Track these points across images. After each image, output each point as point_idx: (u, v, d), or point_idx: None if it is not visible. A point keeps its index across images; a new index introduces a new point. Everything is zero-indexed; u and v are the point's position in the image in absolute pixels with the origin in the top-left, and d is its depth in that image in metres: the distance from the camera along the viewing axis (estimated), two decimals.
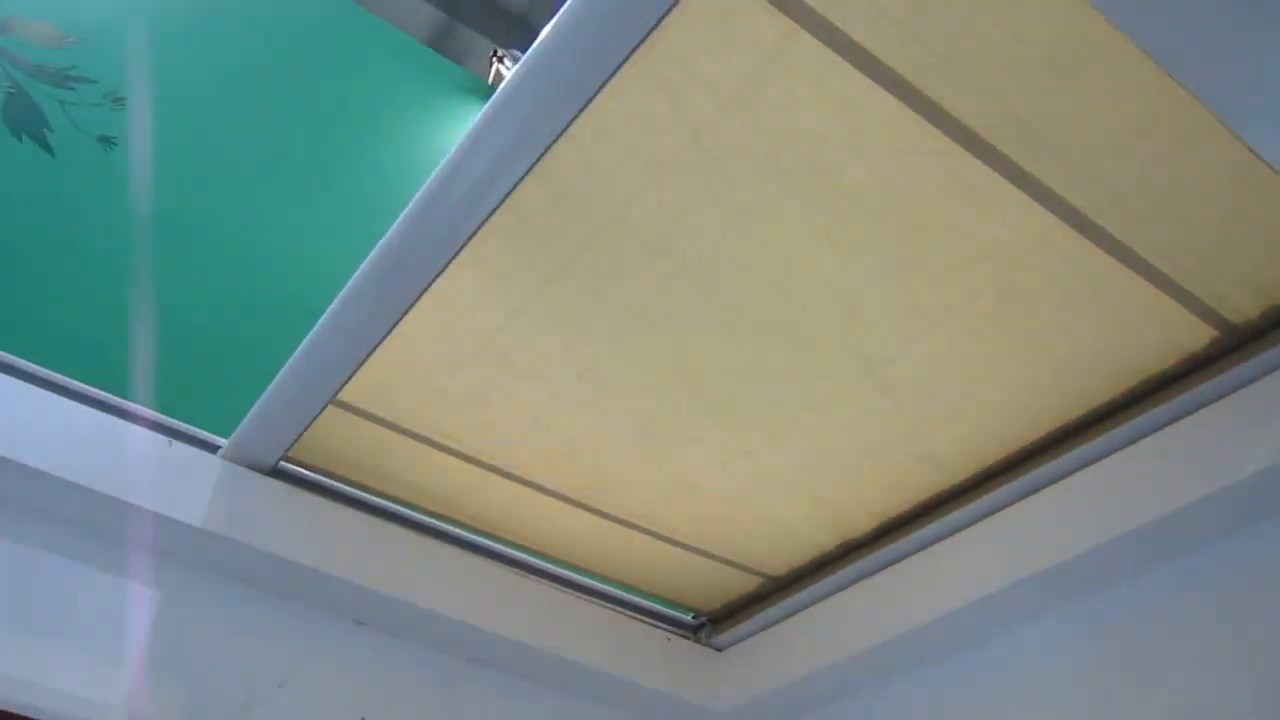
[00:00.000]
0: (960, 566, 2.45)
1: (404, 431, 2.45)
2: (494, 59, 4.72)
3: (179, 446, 2.40)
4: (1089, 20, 1.54)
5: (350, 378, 2.22)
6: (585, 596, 2.88)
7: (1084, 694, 2.28)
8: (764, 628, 2.91)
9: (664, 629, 2.98)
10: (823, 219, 1.95)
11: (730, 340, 2.19)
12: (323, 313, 2.20)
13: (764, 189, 1.90)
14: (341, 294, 2.11)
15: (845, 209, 1.93)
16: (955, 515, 2.46)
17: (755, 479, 2.52)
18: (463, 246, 1.96)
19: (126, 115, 3.02)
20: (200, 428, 2.46)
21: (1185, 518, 2.09)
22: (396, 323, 2.10)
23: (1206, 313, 2.00)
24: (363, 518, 2.58)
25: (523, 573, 2.79)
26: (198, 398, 2.65)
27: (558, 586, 2.84)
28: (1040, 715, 2.35)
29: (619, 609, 2.93)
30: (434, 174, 1.90)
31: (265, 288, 3.11)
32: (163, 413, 2.43)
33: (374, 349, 2.15)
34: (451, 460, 2.52)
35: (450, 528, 2.72)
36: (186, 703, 2.29)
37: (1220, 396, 2.07)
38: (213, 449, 2.48)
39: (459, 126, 4.02)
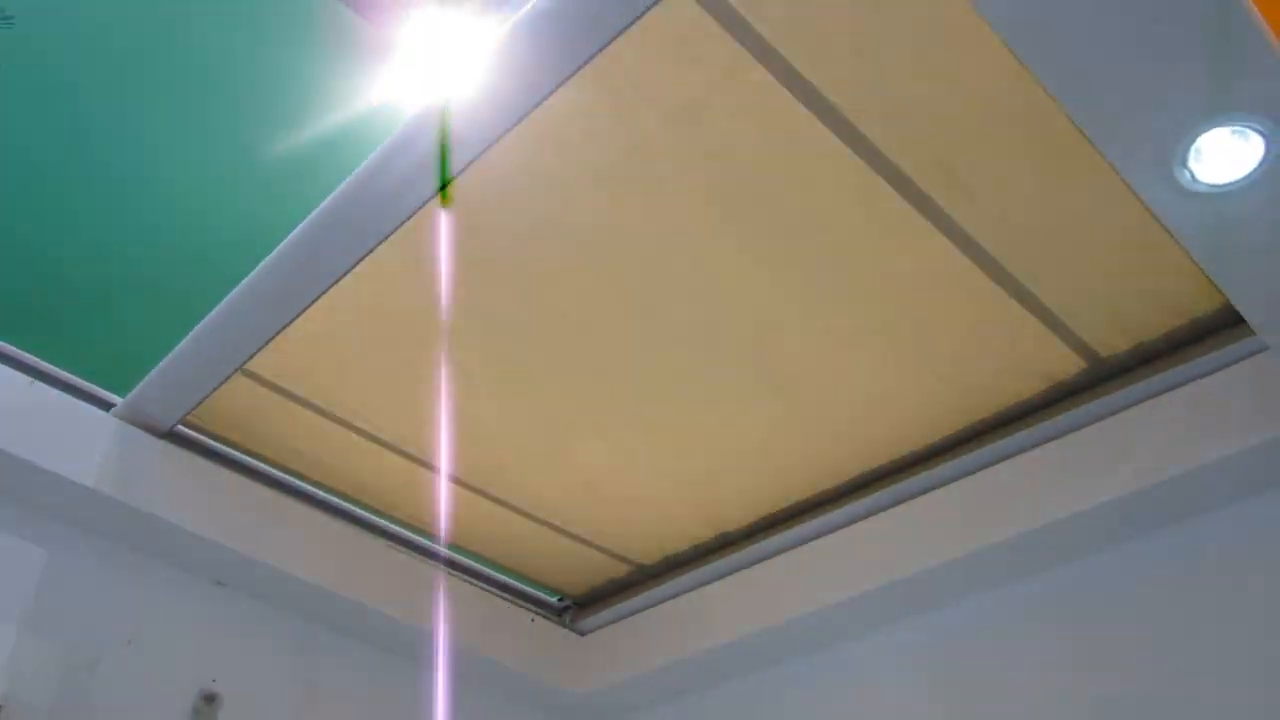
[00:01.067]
0: (823, 570, 2.53)
1: (308, 405, 2.42)
2: None
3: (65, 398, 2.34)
4: (1018, 76, 1.64)
5: (262, 348, 2.19)
6: (454, 572, 2.88)
7: (930, 700, 2.39)
8: (628, 615, 2.96)
9: (530, 609, 3.02)
10: (751, 239, 2.00)
11: (647, 346, 2.23)
12: (190, 251, 2.15)
13: (697, 205, 1.94)
14: (264, 262, 2.06)
15: (773, 232, 1.99)
16: (823, 519, 2.55)
17: (648, 475, 2.57)
18: (394, 230, 1.94)
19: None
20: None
21: (1037, 539, 2.21)
22: (316, 298, 2.07)
23: (1079, 345, 2.13)
24: (233, 477, 2.54)
25: (392, 544, 2.78)
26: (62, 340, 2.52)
27: (427, 560, 2.84)
28: (896, 712, 2.45)
29: (486, 587, 2.96)
30: (375, 152, 1.87)
31: (132, 223, 2.96)
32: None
33: (290, 322, 2.12)
34: (354, 438, 2.50)
35: (327, 495, 2.70)
36: (33, 658, 2.21)
37: (1083, 426, 2.19)
38: (106, 406, 2.43)
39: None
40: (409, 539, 2.82)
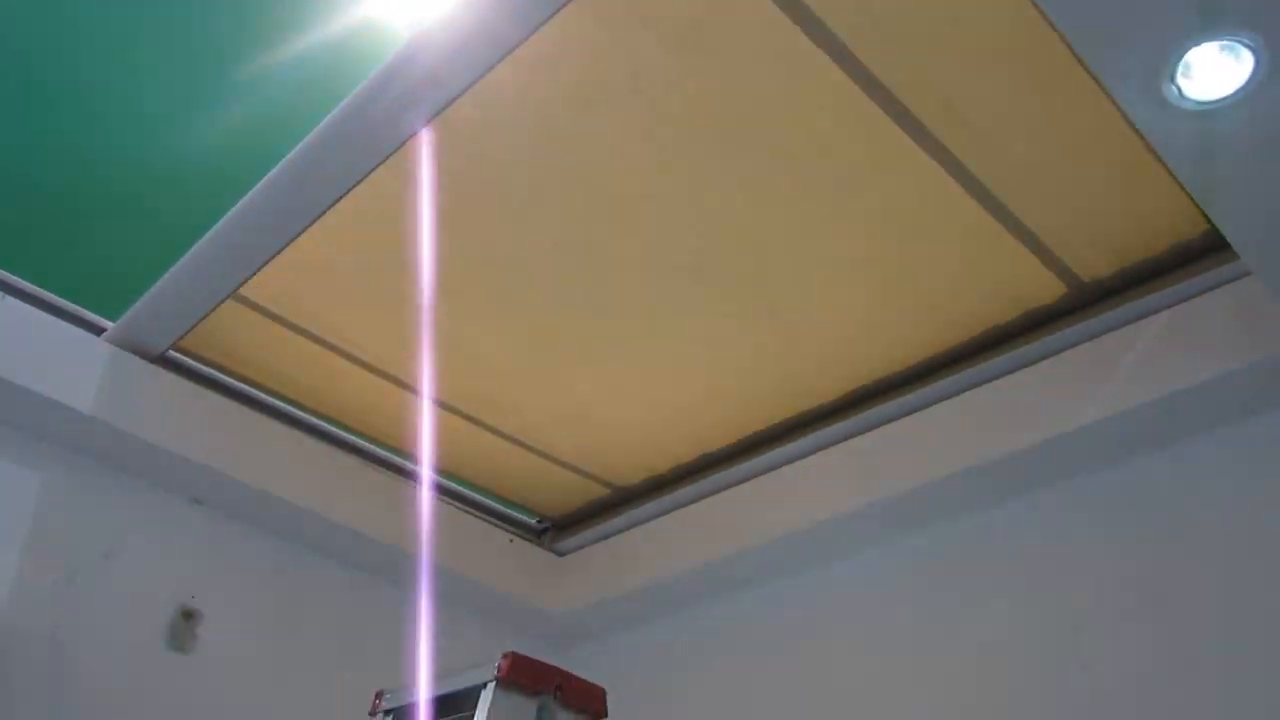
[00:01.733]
0: (802, 491, 2.54)
1: (299, 331, 2.41)
2: None
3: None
4: (1015, 7, 1.62)
5: (254, 274, 2.18)
6: (434, 494, 2.87)
7: (916, 618, 2.41)
8: (607, 536, 2.98)
9: (509, 531, 3.03)
10: (748, 168, 1.98)
11: (645, 277, 2.22)
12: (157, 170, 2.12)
13: (695, 133, 1.91)
14: (257, 188, 2.03)
15: (770, 160, 1.96)
16: (804, 441, 2.55)
17: (634, 400, 2.57)
18: (387, 156, 1.91)
19: None
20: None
21: (1018, 461, 2.22)
22: (310, 223, 2.05)
23: (1062, 270, 2.12)
24: (221, 400, 2.53)
25: (374, 466, 2.78)
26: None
27: (407, 481, 2.83)
28: (868, 635, 2.47)
29: (465, 508, 2.97)
30: (368, 77, 1.83)
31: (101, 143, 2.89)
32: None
33: (283, 248, 2.11)
34: (341, 362, 2.49)
35: (312, 418, 2.69)
36: (10, 571, 2.22)
37: (1063, 349, 2.19)
38: (97, 330, 2.42)
39: None
40: (391, 461, 2.82)
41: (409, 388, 2.56)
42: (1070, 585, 2.19)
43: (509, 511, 3.05)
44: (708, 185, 2.01)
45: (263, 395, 2.61)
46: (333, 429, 2.72)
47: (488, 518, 3.00)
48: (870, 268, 2.16)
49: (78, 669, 2.25)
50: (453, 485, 2.93)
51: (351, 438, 2.76)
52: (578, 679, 1.72)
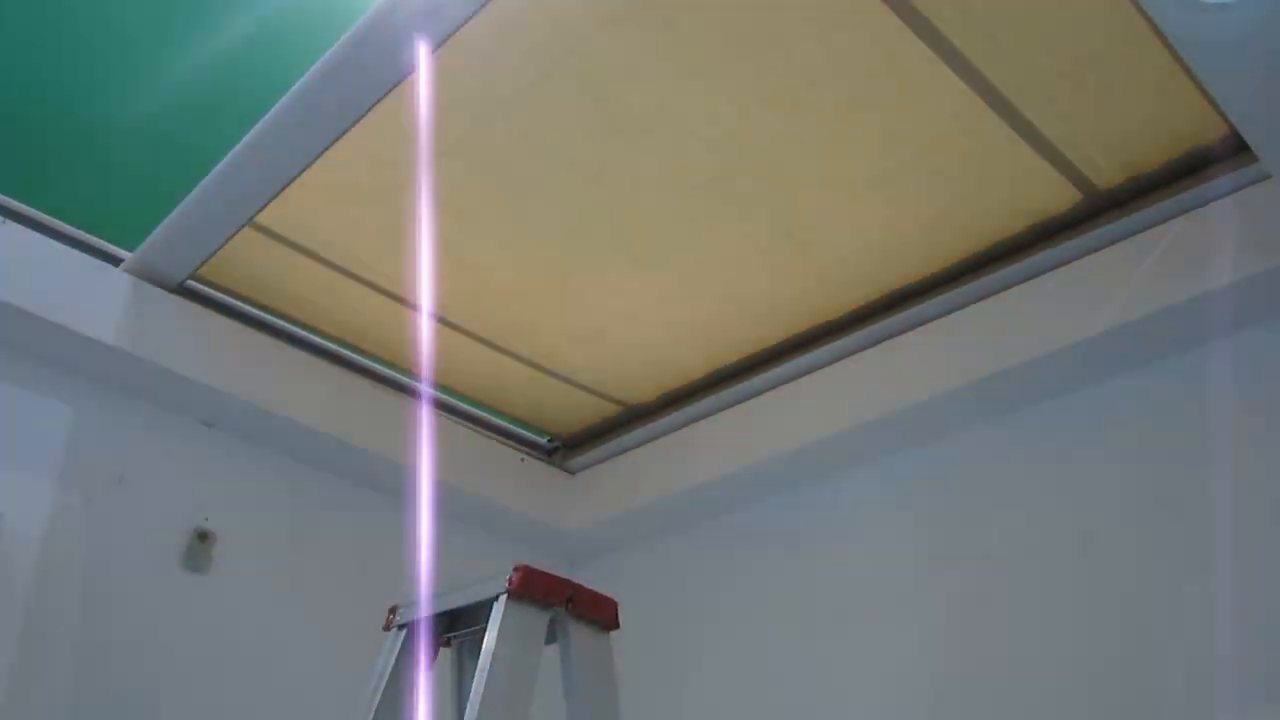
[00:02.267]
0: (812, 406, 2.54)
1: (315, 257, 2.40)
2: None
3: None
4: None
5: (271, 200, 2.16)
6: (444, 414, 2.89)
7: (921, 530, 2.42)
8: (617, 454, 2.98)
9: (519, 450, 3.04)
10: (768, 85, 1.94)
11: (660, 197, 2.19)
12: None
13: (714, 49, 1.87)
14: (271, 113, 2.00)
15: (790, 77, 1.92)
16: (814, 355, 2.54)
17: (646, 319, 2.55)
18: (401, 80, 1.88)
19: None
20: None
21: (1027, 373, 2.21)
22: (326, 149, 2.03)
23: (1076, 177, 2.09)
24: (229, 323, 2.52)
25: (383, 386, 2.78)
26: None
27: (418, 402, 2.83)
28: (878, 548, 2.49)
29: (476, 428, 2.97)
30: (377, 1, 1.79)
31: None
32: None
33: (299, 174, 2.09)
34: (354, 285, 2.47)
35: (326, 342, 2.69)
36: (27, 495, 2.24)
37: (1076, 258, 2.16)
38: (115, 261, 2.40)
39: None
40: (403, 383, 2.82)
41: (421, 310, 2.55)
42: (1079, 497, 2.19)
43: (520, 431, 3.06)
44: (723, 103, 1.97)
45: (276, 320, 2.61)
46: (346, 352, 2.72)
47: (499, 437, 3.00)
48: (886, 182, 2.12)
49: (96, 591, 2.27)
50: (464, 406, 2.93)
51: (365, 360, 2.75)
52: (589, 591, 1.72)
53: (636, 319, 2.55)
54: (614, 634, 1.76)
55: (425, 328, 2.62)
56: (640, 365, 2.73)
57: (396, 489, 2.81)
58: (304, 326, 2.64)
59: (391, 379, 2.80)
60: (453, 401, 2.91)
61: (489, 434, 2.98)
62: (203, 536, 2.47)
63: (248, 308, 2.57)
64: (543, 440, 3.10)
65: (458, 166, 2.13)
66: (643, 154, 2.09)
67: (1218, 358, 2.08)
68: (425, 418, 2.82)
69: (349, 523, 2.75)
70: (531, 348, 2.68)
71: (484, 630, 1.62)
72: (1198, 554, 1.99)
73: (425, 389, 2.85)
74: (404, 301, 2.53)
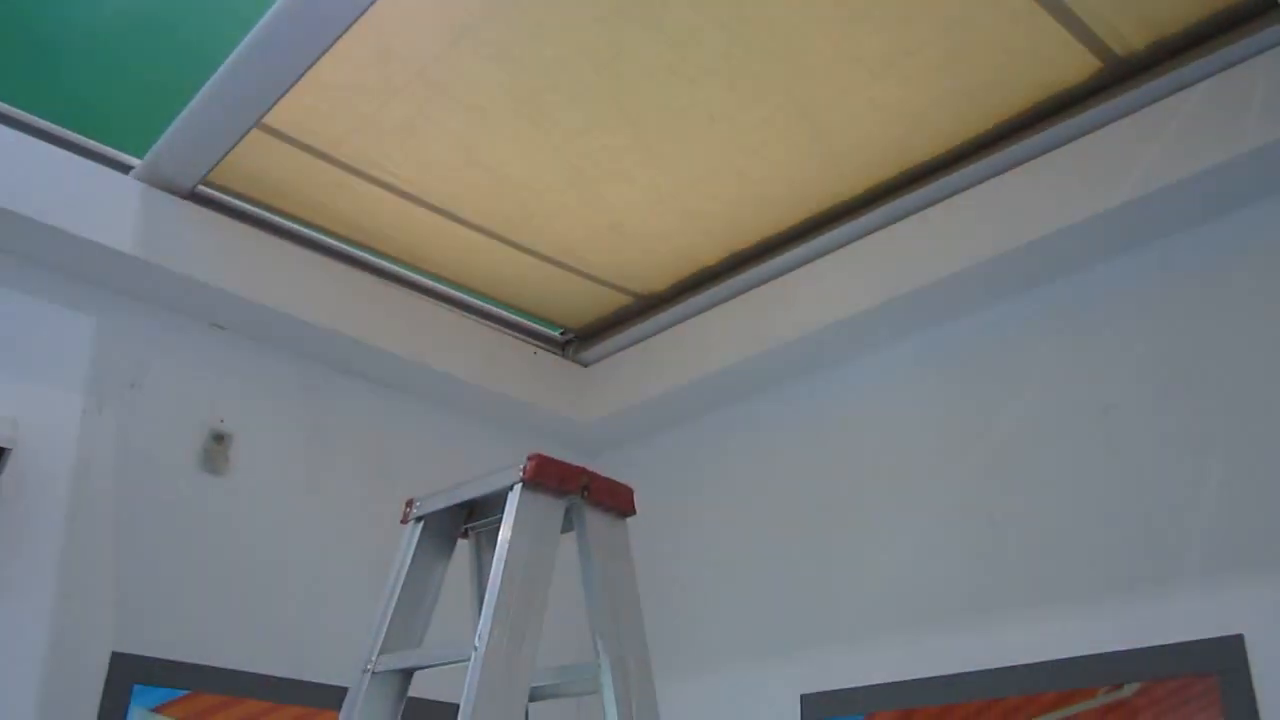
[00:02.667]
0: (827, 288, 2.50)
1: (326, 158, 2.35)
2: None
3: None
4: None
5: (278, 100, 2.10)
6: (454, 309, 2.87)
7: (940, 409, 2.41)
8: (629, 345, 2.97)
9: (532, 343, 3.02)
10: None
11: (675, 83, 2.13)
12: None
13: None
14: (273, 9, 1.93)
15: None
16: (831, 235, 2.50)
17: (668, 212, 2.50)
18: None
19: None
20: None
21: (1044, 248, 2.17)
22: (330, 44, 1.96)
23: (1096, 45, 2.02)
24: (240, 227, 2.49)
25: (392, 283, 2.75)
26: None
27: (429, 298, 2.82)
28: (898, 428, 2.48)
29: (488, 323, 2.95)
30: None
31: None
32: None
33: (304, 71, 2.03)
34: (373, 189, 2.43)
35: (333, 241, 2.65)
36: (41, 403, 2.24)
37: (1097, 127, 2.10)
38: (125, 169, 2.37)
39: None
40: (413, 279, 2.79)
41: (433, 207, 2.51)
42: (1098, 370, 2.17)
43: (532, 325, 3.03)
44: None
45: (287, 222, 2.57)
46: (358, 252, 2.69)
47: (511, 331, 2.98)
48: (899, 58, 2.05)
49: (116, 495, 2.28)
50: (476, 301, 2.91)
51: (376, 259, 2.72)
52: (605, 478, 1.72)
53: (647, 208, 2.50)
54: (630, 520, 1.76)
55: (444, 227, 2.58)
56: (652, 254, 2.69)
57: (411, 386, 2.81)
58: (315, 228, 2.61)
59: (403, 277, 2.77)
60: (464, 297, 2.89)
61: (501, 328, 2.96)
62: (219, 438, 2.48)
63: (259, 211, 2.53)
64: (555, 333, 3.08)
65: (467, 58, 2.07)
66: (654, 38, 2.03)
67: (1239, 226, 2.03)
68: (439, 315, 2.80)
69: (364, 421, 2.75)
70: (540, 241, 2.64)
71: (500, 520, 1.62)
72: (1216, 423, 1.97)
73: (438, 285, 2.83)
74: (415, 199, 2.48)
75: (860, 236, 2.48)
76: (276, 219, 2.56)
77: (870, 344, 2.56)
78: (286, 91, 2.09)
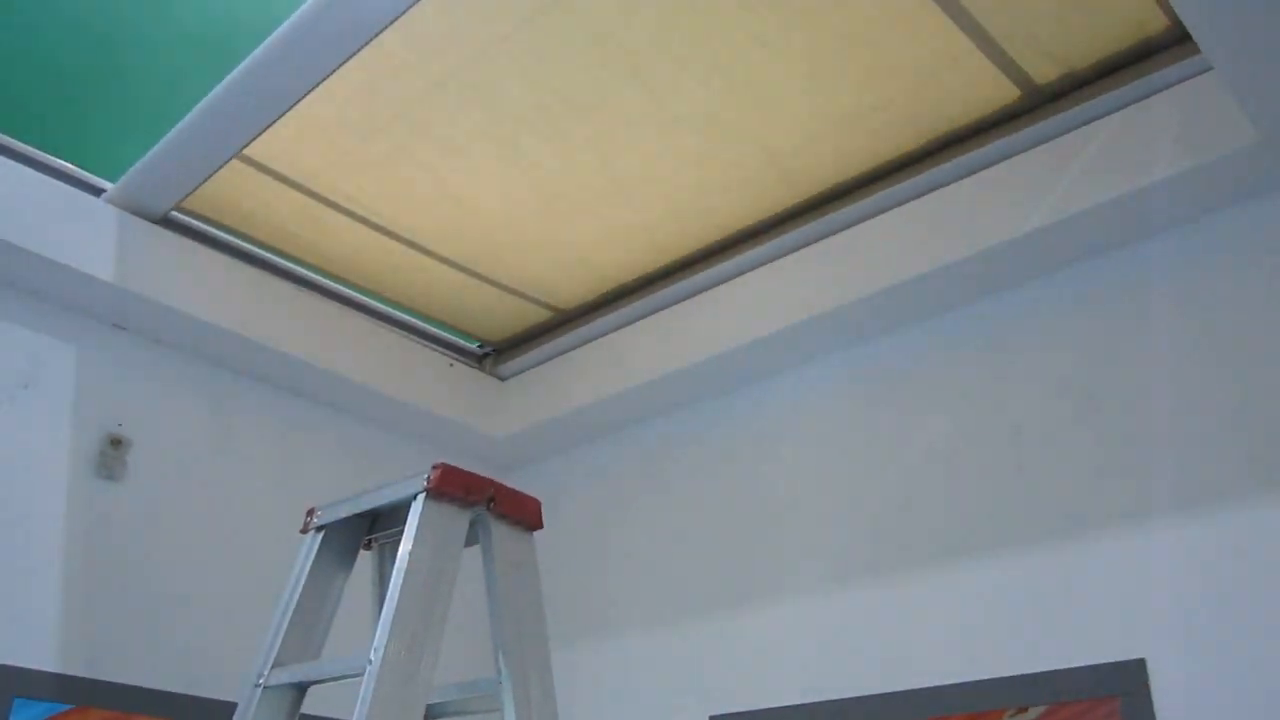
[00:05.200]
0: (745, 306, 2.50)
1: (303, 190, 2.34)
2: None
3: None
4: None
5: (260, 134, 2.10)
6: (369, 317, 2.81)
7: (855, 430, 2.41)
8: (548, 359, 2.93)
9: (449, 355, 2.97)
10: (761, 23, 1.94)
11: (650, 128, 2.19)
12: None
13: (749, 42, 1.89)
14: (264, 46, 1.92)
15: (783, 16, 1.93)
16: (746, 256, 2.50)
17: (587, 225, 2.49)
18: (399, 15, 1.83)
19: None
20: None
21: (960, 271, 2.19)
22: (318, 83, 1.98)
23: (1015, 72, 2.03)
24: (138, 224, 2.41)
25: (304, 288, 2.68)
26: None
27: (343, 305, 2.75)
28: (815, 448, 2.47)
29: (404, 333, 2.89)
30: None
31: None
32: None
33: (290, 107, 2.03)
34: (283, 188, 2.37)
35: (239, 241, 2.56)
36: None
37: (1016, 153, 2.12)
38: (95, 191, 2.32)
39: None
40: (327, 286, 2.73)
41: (350, 214, 2.46)
42: (1010, 392, 2.19)
43: (449, 336, 2.98)
44: (717, 39, 1.98)
45: (193, 221, 2.49)
46: (268, 255, 2.61)
47: (427, 342, 2.93)
48: (821, 75, 2.06)
49: (4, 497, 2.18)
50: (391, 310, 2.85)
51: (289, 264, 2.65)
52: (511, 491, 1.68)
53: (564, 221, 2.48)
54: (540, 535, 1.73)
55: (356, 231, 2.52)
56: (569, 269, 2.67)
57: (320, 394, 2.74)
58: (223, 228, 2.53)
59: (316, 283, 2.71)
60: (380, 306, 2.83)
61: (417, 339, 2.90)
62: (116, 443, 2.39)
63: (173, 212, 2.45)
64: (473, 346, 3.03)
65: (447, 98, 2.11)
66: (635, 87, 2.09)
67: (1152, 252, 2.07)
68: (353, 323, 2.74)
69: (271, 429, 2.67)
70: (460, 252, 2.60)
71: (403, 531, 1.57)
72: (1124, 447, 1.99)
73: (353, 294, 2.77)
74: (333, 205, 2.43)
75: (779, 255, 2.48)
76: (184, 219, 2.48)
77: (784, 364, 2.56)
78: (268, 127, 2.11)
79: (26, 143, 2.29)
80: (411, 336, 2.89)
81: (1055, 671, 1.93)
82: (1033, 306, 2.20)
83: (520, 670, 1.58)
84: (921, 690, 2.09)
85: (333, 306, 2.71)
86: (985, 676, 2.02)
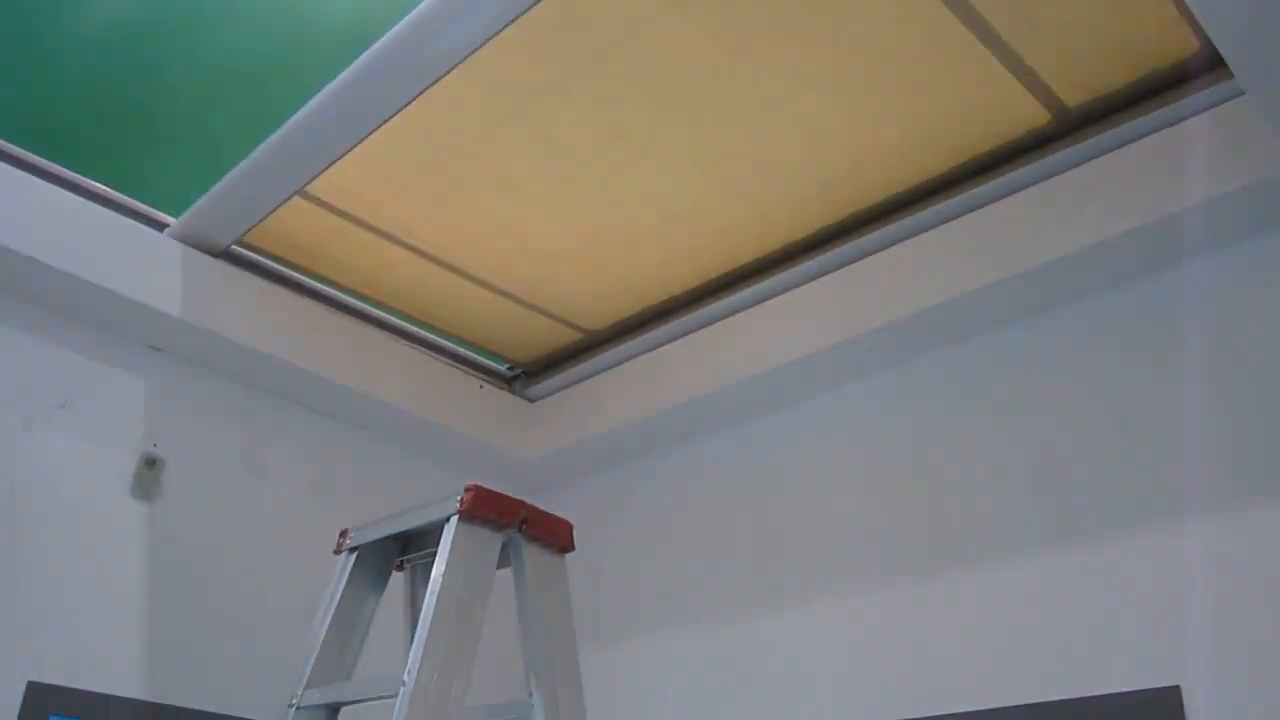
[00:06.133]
0: (777, 329, 2.50)
1: (360, 223, 2.40)
2: None
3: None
4: None
5: (322, 172, 2.17)
6: (400, 338, 2.82)
7: (887, 455, 2.40)
8: (577, 381, 2.93)
9: (479, 377, 2.98)
10: (812, 65, 1.98)
11: (702, 166, 2.23)
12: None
13: (765, 32, 1.91)
14: (331, 87, 1.99)
15: (836, 58, 1.96)
16: (781, 277, 2.50)
17: (618, 247, 2.50)
18: (464, 58, 1.89)
19: None
20: None
21: (994, 295, 2.18)
22: (382, 123, 2.03)
23: (1046, 95, 2.03)
24: (170, 244, 2.43)
25: (336, 310, 2.70)
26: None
27: (375, 327, 2.77)
28: (845, 473, 2.46)
29: (435, 355, 2.90)
30: None
31: None
32: None
33: (353, 146, 2.09)
34: (320, 211, 2.41)
35: (272, 263, 2.59)
36: None
37: (1048, 177, 2.12)
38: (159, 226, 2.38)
39: None
40: (358, 308, 2.75)
41: (383, 234, 2.48)
42: (1042, 417, 2.18)
43: (480, 358, 3.00)
44: (769, 81, 2.01)
45: (235, 246, 2.52)
46: (299, 276, 2.64)
47: (457, 364, 2.95)
48: (853, 97, 2.07)
49: (40, 516, 2.20)
50: (423, 332, 2.87)
51: (319, 285, 2.68)
52: (543, 513, 1.69)
53: (597, 243, 2.50)
54: (570, 557, 1.73)
55: (393, 253, 2.55)
56: (600, 290, 2.68)
57: (352, 415, 2.76)
58: (259, 250, 2.55)
59: (349, 305, 2.73)
60: (411, 328, 2.85)
61: (448, 361, 2.92)
62: (151, 463, 2.41)
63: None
64: (502, 368, 3.05)
65: (505, 137, 2.17)
66: (687, 127, 2.14)
67: (1188, 277, 2.06)
68: (385, 343, 2.76)
69: (303, 450, 2.69)
70: (492, 272, 2.62)
71: (436, 553, 1.58)
72: (1158, 473, 1.97)
73: (385, 315, 2.79)
74: (368, 226, 2.45)
75: (811, 279, 2.47)
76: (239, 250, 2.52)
77: (816, 388, 2.55)
78: (331, 165, 2.16)
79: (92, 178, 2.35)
80: (441, 358, 2.91)
81: (1087, 698, 1.91)
82: (1064, 331, 2.19)
83: (551, 692, 1.58)
84: (953, 715, 2.07)
85: (362, 328, 2.73)
86: (1015, 703, 2.00)
